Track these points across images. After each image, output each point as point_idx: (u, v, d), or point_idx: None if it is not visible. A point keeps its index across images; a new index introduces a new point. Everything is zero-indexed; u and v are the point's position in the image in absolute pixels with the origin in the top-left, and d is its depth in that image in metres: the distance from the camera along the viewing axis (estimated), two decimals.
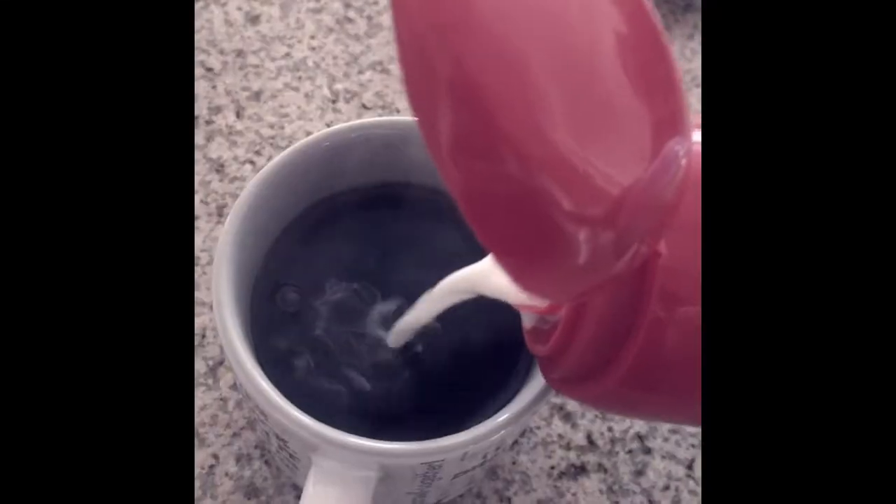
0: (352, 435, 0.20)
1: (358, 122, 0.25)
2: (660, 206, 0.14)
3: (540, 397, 0.21)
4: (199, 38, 0.38)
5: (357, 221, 0.26)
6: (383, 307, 0.24)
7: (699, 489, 0.29)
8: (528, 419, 0.22)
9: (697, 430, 0.30)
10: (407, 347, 0.24)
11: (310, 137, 0.24)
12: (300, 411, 0.20)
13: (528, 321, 0.20)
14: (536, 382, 0.21)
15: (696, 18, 0.42)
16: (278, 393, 0.20)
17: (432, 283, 0.22)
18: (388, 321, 0.24)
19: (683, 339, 0.16)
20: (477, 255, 0.21)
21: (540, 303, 0.18)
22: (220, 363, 0.30)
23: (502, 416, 0.21)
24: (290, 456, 0.23)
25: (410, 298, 0.23)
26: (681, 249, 0.15)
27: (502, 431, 0.21)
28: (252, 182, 0.23)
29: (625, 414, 0.21)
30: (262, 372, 0.21)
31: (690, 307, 0.16)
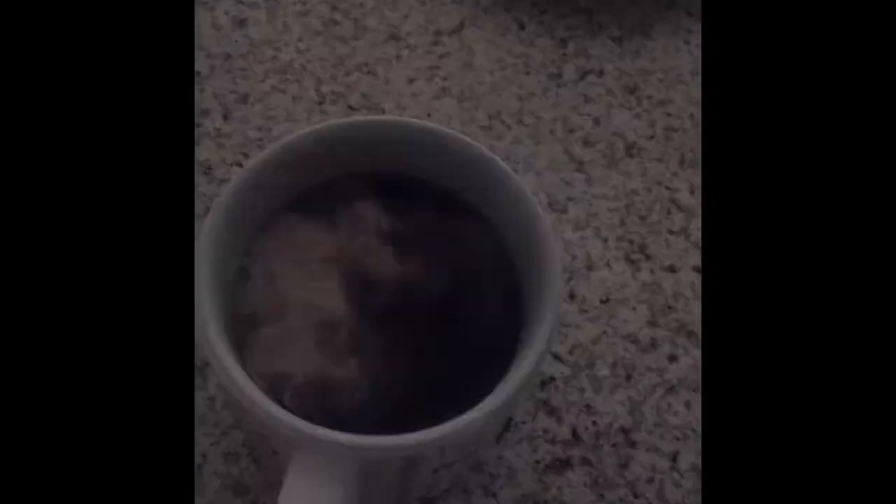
0: (328, 429, 0.20)
1: (341, 120, 0.25)
2: None
3: (517, 393, 0.21)
4: None
5: (338, 213, 0.26)
6: (366, 298, 0.24)
7: (683, 481, 0.29)
8: (506, 413, 0.22)
9: (681, 422, 0.31)
10: (392, 344, 0.24)
11: (293, 135, 0.24)
12: (277, 406, 0.20)
13: None
14: (513, 378, 0.22)
15: (679, 16, 0.43)
16: (256, 388, 0.20)
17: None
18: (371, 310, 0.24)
19: None
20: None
21: None
22: (208, 363, 0.30)
23: (478, 411, 0.21)
24: (274, 452, 0.23)
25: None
26: None
27: (480, 425, 0.21)
28: (232, 181, 0.23)
29: None
30: (241, 367, 0.21)
31: None
